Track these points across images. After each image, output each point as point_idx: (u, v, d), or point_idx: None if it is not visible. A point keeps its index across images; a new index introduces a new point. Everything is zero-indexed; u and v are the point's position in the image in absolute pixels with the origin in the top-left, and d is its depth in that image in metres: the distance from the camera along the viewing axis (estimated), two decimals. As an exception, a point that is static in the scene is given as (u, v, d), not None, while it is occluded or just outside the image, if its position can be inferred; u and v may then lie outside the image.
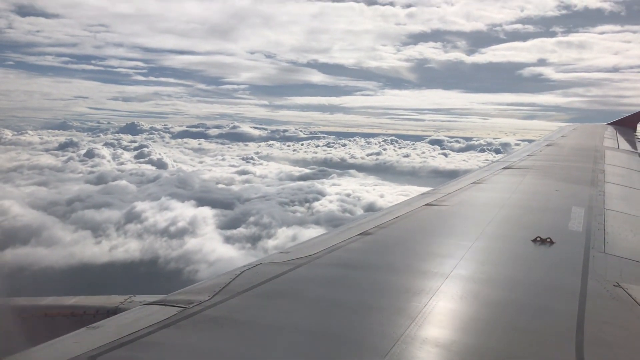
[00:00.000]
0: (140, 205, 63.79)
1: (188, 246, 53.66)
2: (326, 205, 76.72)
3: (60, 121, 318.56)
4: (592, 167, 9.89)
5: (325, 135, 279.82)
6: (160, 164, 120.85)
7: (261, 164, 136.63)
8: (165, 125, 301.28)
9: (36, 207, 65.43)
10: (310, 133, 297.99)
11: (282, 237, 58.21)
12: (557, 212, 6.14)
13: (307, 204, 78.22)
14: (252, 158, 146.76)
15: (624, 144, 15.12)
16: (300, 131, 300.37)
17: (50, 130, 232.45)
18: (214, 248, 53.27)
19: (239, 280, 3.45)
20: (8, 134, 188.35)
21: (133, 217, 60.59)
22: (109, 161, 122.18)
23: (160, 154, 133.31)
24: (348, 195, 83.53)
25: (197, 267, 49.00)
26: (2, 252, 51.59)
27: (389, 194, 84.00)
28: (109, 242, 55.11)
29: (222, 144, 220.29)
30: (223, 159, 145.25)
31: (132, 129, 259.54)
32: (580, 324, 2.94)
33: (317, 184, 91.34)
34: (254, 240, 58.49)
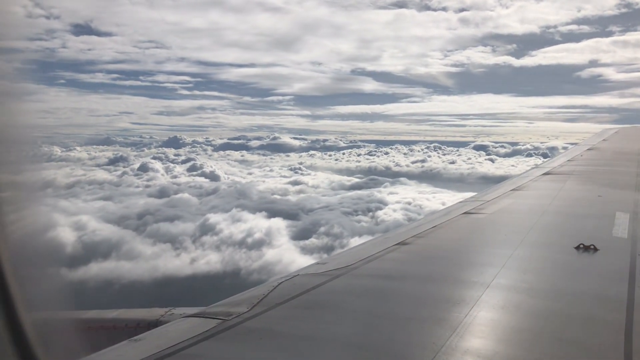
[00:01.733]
0: (213, 217, 64.63)
1: (267, 257, 53.92)
2: (390, 214, 76.14)
3: (104, 137, 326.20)
4: (636, 171, 9.67)
5: (365, 144, 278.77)
6: (213, 177, 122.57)
7: (309, 174, 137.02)
8: (206, 138, 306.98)
9: (109, 221, 67.00)
10: (350, 142, 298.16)
11: (355, 247, 57.79)
12: (601, 218, 5.97)
13: (371, 214, 77.84)
14: (299, 168, 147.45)
15: None
16: (340, 140, 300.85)
17: (95, 146, 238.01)
18: (293, 259, 53.28)
19: (276, 292, 3.45)
20: (57, 151, 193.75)
21: (207, 229, 61.35)
22: (162, 175, 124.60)
23: (212, 167, 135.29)
24: (409, 203, 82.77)
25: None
26: (86, 266, 53.13)
27: (450, 202, 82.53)
28: (189, 255, 55.80)
29: (264, 155, 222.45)
30: (271, 170, 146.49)
31: (174, 142, 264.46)
32: (628, 334, 2.76)
33: (376, 193, 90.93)
34: (327, 250, 58.18)
